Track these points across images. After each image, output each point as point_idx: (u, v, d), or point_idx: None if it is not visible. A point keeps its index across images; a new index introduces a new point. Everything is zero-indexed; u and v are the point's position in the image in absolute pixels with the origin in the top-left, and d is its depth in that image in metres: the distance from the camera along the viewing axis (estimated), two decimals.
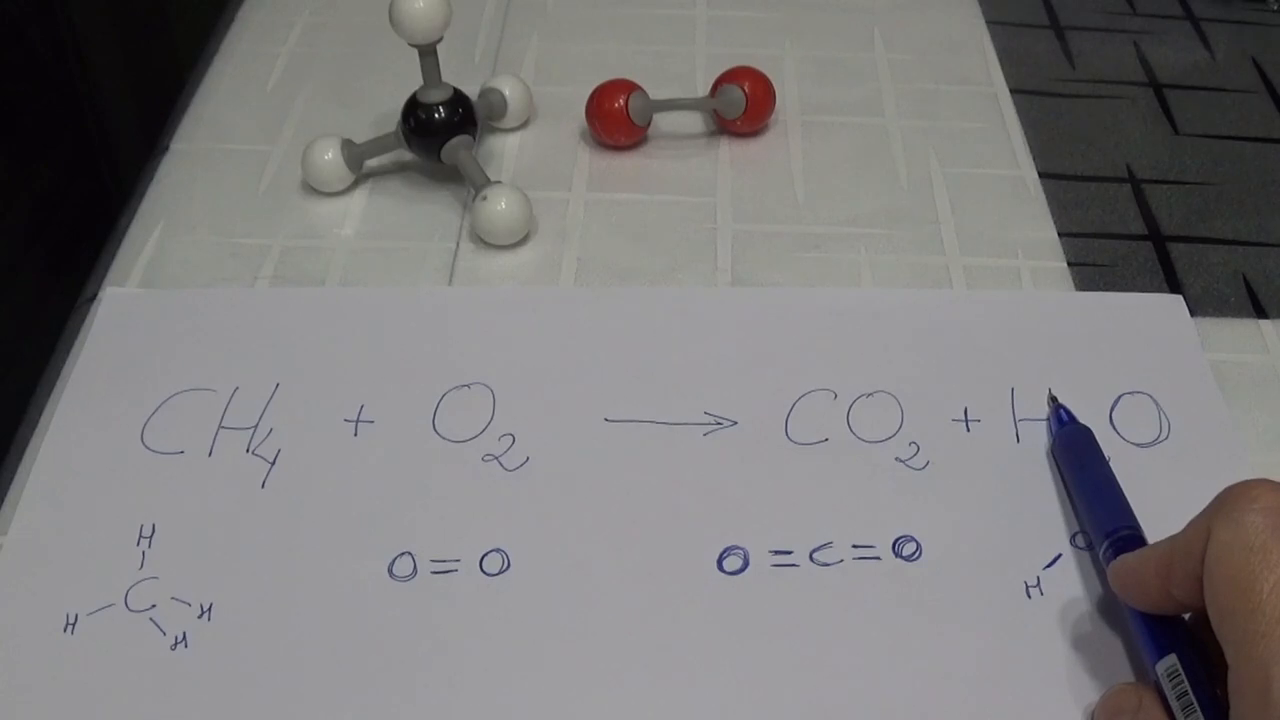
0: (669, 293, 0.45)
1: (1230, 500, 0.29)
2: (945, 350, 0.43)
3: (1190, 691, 0.30)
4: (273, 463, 0.39)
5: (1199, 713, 0.29)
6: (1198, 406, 0.41)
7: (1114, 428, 0.40)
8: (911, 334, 0.43)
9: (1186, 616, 0.32)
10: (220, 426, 0.40)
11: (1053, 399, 0.40)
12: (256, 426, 0.40)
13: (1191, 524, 0.30)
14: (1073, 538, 0.37)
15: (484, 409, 0.41)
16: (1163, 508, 0.38)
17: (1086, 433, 0.39)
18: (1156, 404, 0.41)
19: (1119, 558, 0.33)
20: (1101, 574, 0.36)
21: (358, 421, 0.40)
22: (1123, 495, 0.36)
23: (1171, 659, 0.31)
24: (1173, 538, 0.31)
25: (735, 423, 0.40)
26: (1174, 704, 0.30)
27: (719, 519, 0.38)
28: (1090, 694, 0.33)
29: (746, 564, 0.36)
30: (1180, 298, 0.45)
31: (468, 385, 0.41)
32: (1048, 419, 0.40)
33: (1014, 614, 0.35)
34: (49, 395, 0.41)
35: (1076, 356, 0.43)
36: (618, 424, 0.40)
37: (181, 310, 0.44)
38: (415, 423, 0.40)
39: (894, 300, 0.45)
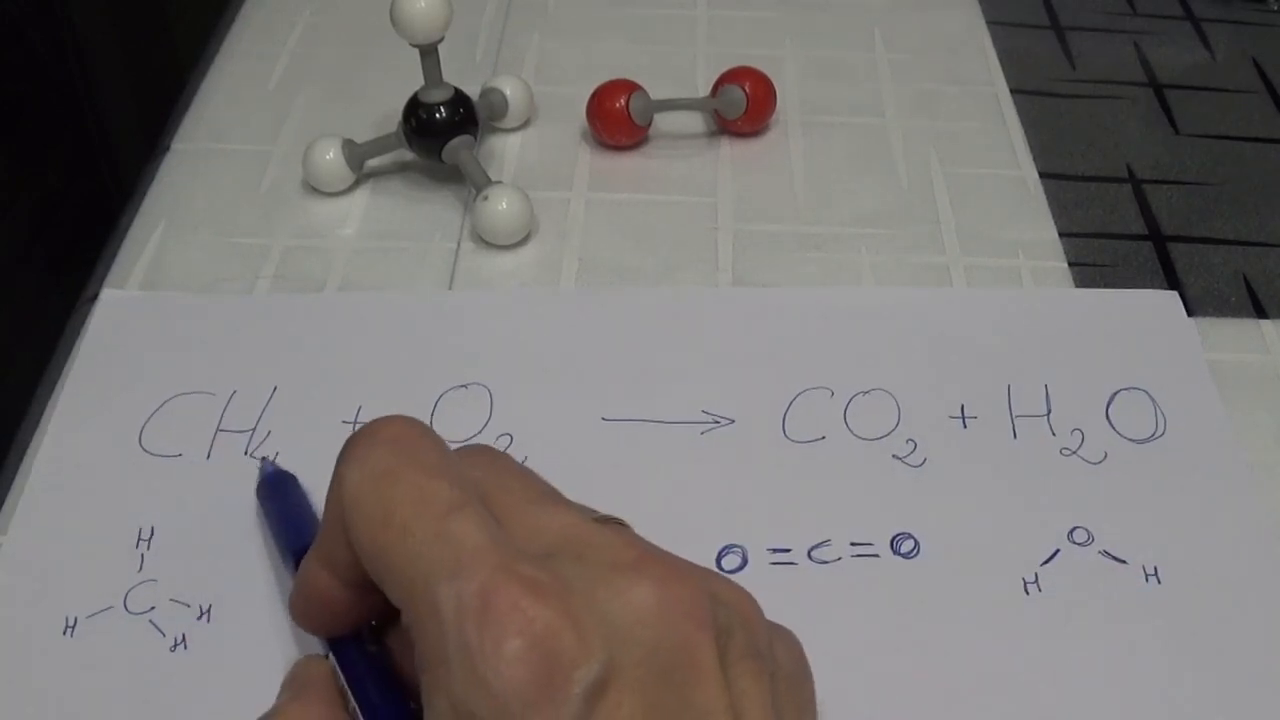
0: (666, 292, 0.45)
1: (349, 447, 0.26)
2: (942, 347, 0.43)
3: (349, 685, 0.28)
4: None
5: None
6: (1194, 402, 0.41)
7: (1110, 424, 0.40)
8: (908, 331, 0.43)
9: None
10: (218, 429, 0.40)
11: (263, 459, 0.38)
12: (255, 429, 0.40)
13: (329, 494, 0.27)
14: (1071, 534, 0.37)
15: (482, 409, 0.41)
16: (1159, 503, 0.38)
17: (291, 477, 0.37)
18: (1153, 400, 0.41)
19: (298, 573, 0.29)
20: (1099, 571, 0.36)
21: (356, 423, 0.40)
22: (316, 519, 0.35)
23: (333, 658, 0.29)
24: (321, 526, 0.28)
25: (732, 421, 0.40)
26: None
27: (717, 517, 0.38)
28: (1090, 688, 0.33)
29: (745, 562, 0.36)
30: (1175, 294, 0.45)
31: (465, 385, 0.41)
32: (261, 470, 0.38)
33: (1012, 610, 0.35)
34: (49, 395, 0.41)
35: (1072, 353, 0.43)
36: (615, 423, 0.40)
37: (179, 313, 0.44)
38: None
39: (890, 298, 0.45)
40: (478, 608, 0.23)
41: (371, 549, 0.25)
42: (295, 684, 0.29)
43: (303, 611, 0.29)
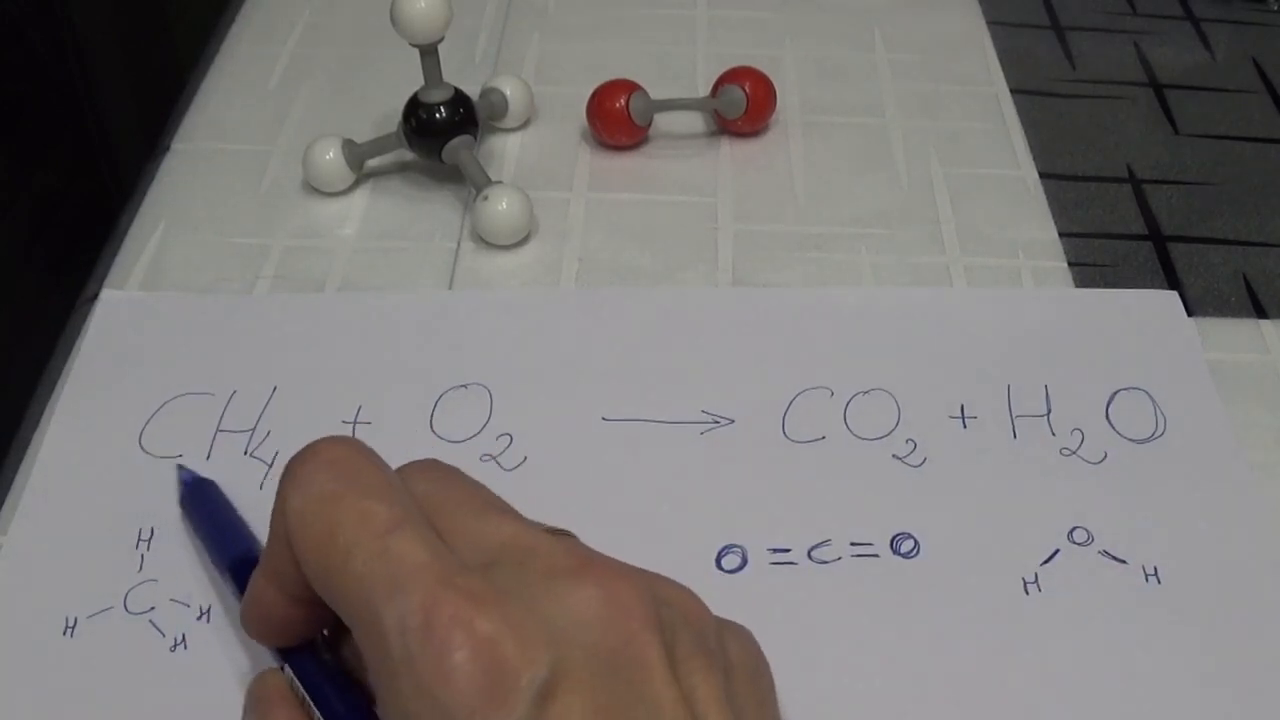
0: (666, 292, 0.45)
1: (292, 469, 0.27)
2: (942, 347, 0.43)
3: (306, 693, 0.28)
4: (271, 465, 0.39)
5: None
6: (1193, 402, 0.41)
7: (1110, 424, 0.40)
8: (908, 331, 0.43)
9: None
10: (218, 429, 0.40)
11: (179, 469, 0.38)
12: (254, 429, 0.40)
13: (273, 513, 0.27)
14: (1070, 533, 0.37)
15: (481, 409, 0.41)
16: (1159, 503, 0.38)
17: (208, 483, 0.37)
18: (1153, 400, 0.41)
19: (248, 589, 0.29)
20: (1099, 571, 0.36)
21: (355, 423, 0.40)
22: (247, 527, 0.35)
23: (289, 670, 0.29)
24: (267, 543, 0.28)
25: (732, 421, 0.40)
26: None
27: (716, 517, 0.38)
28: (1089, 688, 0.33)
29: (745, 562, 0.36)
30: (1175, 294, 0.45)
31: (465, 386, 0.41)
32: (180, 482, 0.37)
33: (1012, 610, 0.35)
34: (49, 395, 0.41)
35: (1072, 353, 0.43)
36: (615, 423, 0.40)
37: (179, 313, 0.44)
38: (413, 423, 0.40)
39: (890, 297, 0.45)
40: (420, 624, 0.23)
41: (317, 570, 0.26)
42: (257, 703, 0.29)
43: (255, 626, 0.29)
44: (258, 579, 0.28)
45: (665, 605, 0.26)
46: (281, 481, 0.27)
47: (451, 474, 0.28)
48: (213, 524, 0.36)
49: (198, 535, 0.36)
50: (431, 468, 0.29)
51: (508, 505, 0.28)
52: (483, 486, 0.28)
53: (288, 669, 0.29)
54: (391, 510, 0.25)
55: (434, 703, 0.23)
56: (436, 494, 0.27)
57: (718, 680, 0.25)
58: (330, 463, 0.27)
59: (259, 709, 0.29)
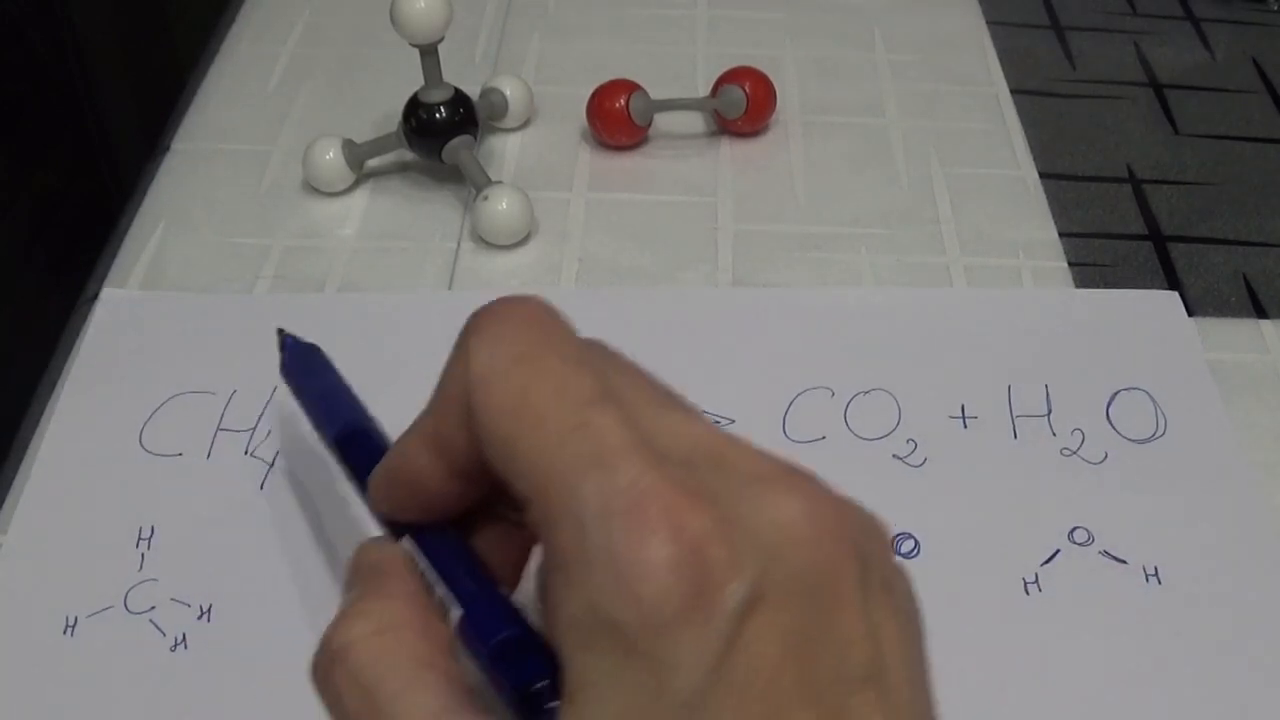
0: (667, 293, 0.45)
1: (479, 323, 0.24)
2: (942, 347, 0.43)
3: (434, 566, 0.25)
4: (271, 464, 0.39)
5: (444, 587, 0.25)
6: (1194, 402, 0.41)
7: (1111, 424, 0.40)
8: (908, 331, 0.43)
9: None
10: (219, 428, 0.40)
11: (280, 332, 0.36)
12: (255, 428, 0.40)
13: (447, 372, 0.25)
14: (1071, 534, 0.37)
15: None
16: (1159, 503, 0.38)
17: (313, 349, 0.35)
18: (1153, 400, 0.41)
19: (376, 468, 0.27)
20: (1099, 571, 0.36)
21: None
22: (355, 396, 0.32)
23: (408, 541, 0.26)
24: (430, 403, 0.25)
25: (733, 421, 0.40)
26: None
27: None
28: (1090, 688, 0.33)
29: None
30: (1176, 294, 0.45)
31: None
32: (280, 346, 0.35)
33: (1012, 610, 0.35)
34: (49, 395, 0.41)
35: (1073, 353, 0.43)
36: None
37: (180, 312, 0.44)
38: None
39: (891, 298, 0.45)
40: (627, 507, 0.21)
41: (501, 436, 0.23)
42: (367, 574, 0.26)
43: (386, 495, 0.26)
44: (409, 442, 0.26)
45: (863, 532, 0.23)
46: (464, 335, 0.24)
47: (626, 360, 0.26)
48: (319, 392, 0.33)
49: (300, 402, 0.33)
50: (605, 349, 0.26)
51: (687, 400, 0.25)
52: (658, 377, 0.26)
53: (408, 541, 0.26)
54: (594, 383, 0.23)
55: (630, 594, 0.20)
56: (618, 377, 0.24)
57: (901, 623, 0.24)
58: (525, 319, 0.24)
59: (372, 579, 0.26)
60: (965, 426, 0.40)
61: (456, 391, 0.24)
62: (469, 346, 0.24)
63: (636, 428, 0.22)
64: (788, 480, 0.23)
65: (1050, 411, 0.41)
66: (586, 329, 0.44)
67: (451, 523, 0.26)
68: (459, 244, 0.47)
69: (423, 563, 0.25)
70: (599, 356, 0.25)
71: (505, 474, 0.23)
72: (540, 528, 0.22)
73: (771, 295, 0.45)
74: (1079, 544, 0.37)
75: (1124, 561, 0.37)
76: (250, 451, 0.39)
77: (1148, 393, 0.41)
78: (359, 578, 0.26)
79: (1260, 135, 0.53)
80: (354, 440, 0.30)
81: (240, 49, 0.57)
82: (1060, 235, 0.48)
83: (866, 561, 0.23)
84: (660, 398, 0.24)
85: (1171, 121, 0.54)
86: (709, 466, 0.23)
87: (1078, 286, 0.46)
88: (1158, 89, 0.56)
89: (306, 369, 0.34)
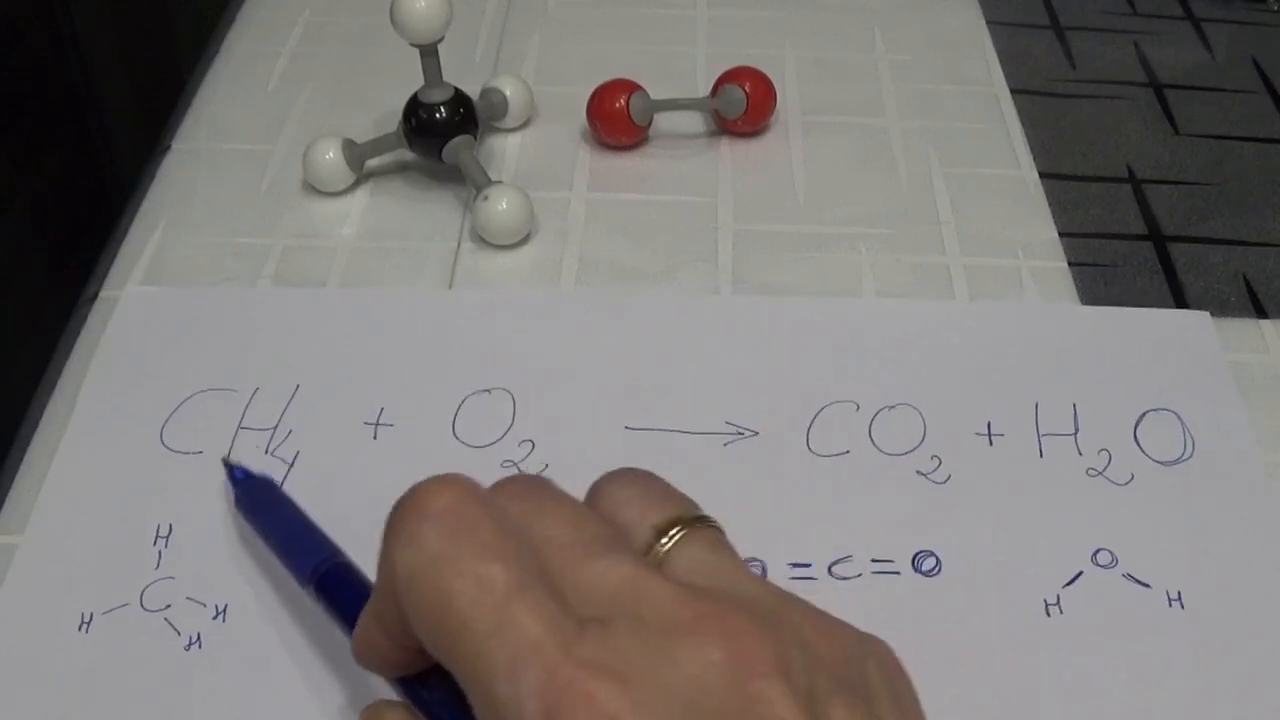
0: (693, 300, 0.45)
1: (399, 518, 0.25)
2: (968, 364, 0.42)
3: None
4: (291, 464, 0.39)
5: None
6: (1223, 425, 0.40)
7: (1138, 444, 0.40)
8: (934, 347, 0.43)
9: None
10: (240, 427, 0.40)
11: (227, 465, 0.37)
12: (276, 427, 0.40)
13: (379, 565, 0.26)
14: (1094, 555, 0.37)
15: (504, 414, 0.40)
16: (1185, 527, 0.38)
17: (267, 483, 0.37)
18: (1181, 422, 0.41)
19: (353, 637, 0.29)
20: (1122, 594, 0.36)
21: (377, 424, 0.40)
22: (319, 530, 0.34)
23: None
24: (374, 589, 0.27)
25: (756, 433, 0.40)
26: None
27: (738, 530, 0.37)
28: (1110, 713, 0.33)
29: (764, 576, 0.36)
30: (1207, 315, 0.44)
31: (489, 390, 0.41)
32: (229, 478, 0.36)
33: (1033, 632, 0.35)
34: (49, 395, 0.41)
35: (1101, 372, 0.42)
36: (638, 432, 0.40)
37: (202, 309, 0.44)
38: (435, 427, 0.40)
39: (917, 312, 0.44)
40: (545, 709, 0.22)
41: (430, 635, 0.25)
42: None
43: (366, 662, 0.28)
44: (368, 622, 0.27)
45: (796, 646, 0.24)
46: (387, 535, 0.25)
47: (545, 496, 0.27)
48: (283, 531, 0.34)
49: (265, 541, 0.35)
50: (524, 491, 0.27)
51: (610, 533, 0.26)
52: (581, 509, 0.27)
53: (399, 690, 0.28)
54: (509, 573, 0.24)
55: None
56: (536, 527, 0.26)
57: (860, 715, 0.24)
58: (440, 516, 0.25)
59: None
60: (991, 444, 0.40)
61: (388, 587, 0.25)
62: (391, 547, 0.25)
63: (554, 609, 0.24)
64: (703, 622, 0.24)
65: (1078, 431, 0.40)
66: (612, 336, 0.44)
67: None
68: (459, 244, 0.47)
69: (418, 714, 0.27)
70: (523, 514, 0.26)
71: (441, 662, 0.25)
72: (477, 713, 0.24)
73: (799, 307, 0.44)
74: (1102, 566, 0.36)
75: (1147, 585, 0.36)
76: (271, 451, 0.39)
77: (1176, 414, 0.41)
78: None
79: (1260, 135, 0.53)
80: (332, 582, 0.31)
81: (240, 49, 0.57)
82: (1060, 235, 0.48)
83: (808, 673, 0.24)
84: (584, 542, 0.26)
85: (1171, 121, 0.54)
86: (626, 622, 0.24)
87: (1078, 286, 0.46)
88: (1158, 89, 0.56)
89: (263, 504, 0.36)
